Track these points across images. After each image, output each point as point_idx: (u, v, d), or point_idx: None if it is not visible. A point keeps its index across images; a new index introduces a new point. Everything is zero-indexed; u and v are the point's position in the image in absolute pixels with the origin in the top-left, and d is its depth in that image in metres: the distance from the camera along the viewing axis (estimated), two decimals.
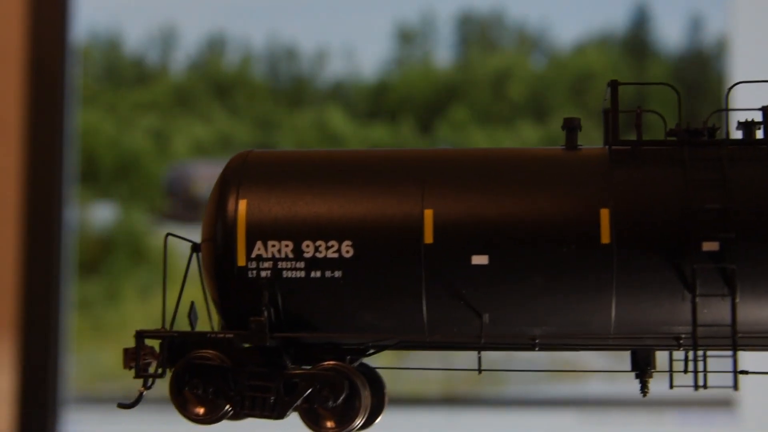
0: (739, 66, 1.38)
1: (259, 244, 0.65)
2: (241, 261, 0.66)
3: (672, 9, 1.38)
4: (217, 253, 0.79)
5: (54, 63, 1.25)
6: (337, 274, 0.68)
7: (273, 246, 0.64)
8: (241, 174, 0.72)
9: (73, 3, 1.28)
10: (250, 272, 0.66)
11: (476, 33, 1.38)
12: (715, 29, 1.34)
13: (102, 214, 1.71)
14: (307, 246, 0.66)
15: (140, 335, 0.91)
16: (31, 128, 1.31)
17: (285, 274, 0.67)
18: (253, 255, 0.67)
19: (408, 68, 1.34)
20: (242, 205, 0.65)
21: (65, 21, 1.34)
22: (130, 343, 1.68)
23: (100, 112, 1.37)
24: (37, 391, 1.68)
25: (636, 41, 1.41)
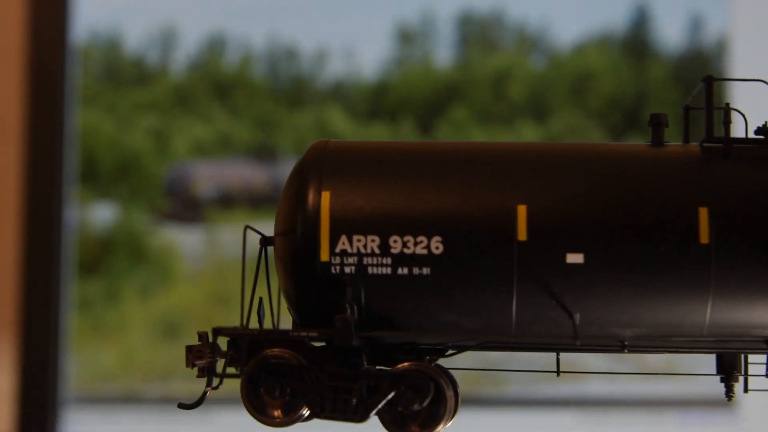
0: (739, 66, 1.38)
1: (343, 238, 0.62)
2: (325, 256, 0.63)
3: (672, 9, 1.38)
4: (296, 247, 0.77)
5: (54, 63, 1.25)
6: (426, 271, 0.66)
7: (359, 241, 0.62)
8: (321, 164, 0.70)
9: (73, 3, 1.28)
10: (333, 267, 0.64)
11: (476, 33, 1.38)
12: (715, 29, 1.34)
13: (102, 214, 1.71)
14: (395, 241, 0.63)
15: (217, 332, 0.87)
16: (31, 128, 1.31)
17: (370, 270, 0.64)
18: (337, 250, 0.65)
19: (408, 68, 1.34)
20: (325, 197, 0.63)
21: (65, 21, 1.34)
22: (130, 342, 1.67)
23: (100, 112, 1.37)
24: (37, 391, 1.68)
25: (636, 41, 1.41)
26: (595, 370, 1.88)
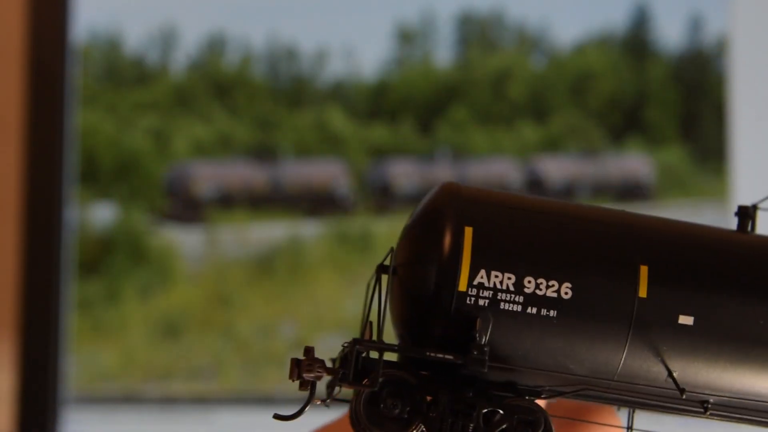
0: (739, 66, 1.37)
1: (482, 272, 0.58)
2: (463, 286, 0.59)
3: (672, 9, 1.37)
4: (434, 276, 0.70)
5: (54, 63, 1.24)
6: (552, 313, 0.62)
7: (496, 276, 0.57)
8: (461, 202, 0.66)
9: (73, 3, 1.26)
10: (469, 298, 0.60)
11: (476, 33, 1.37)
12: (715, 29, 1.33)
13: (102, 214, 1.70)
14: (529, 282, 0.59)
15: (355, 343, 0.79)
16: (31, 128, 1.30)
17: (502, 305, 0.60)
18: (475, 282, 0.60)
19: (408, 68, 1.33)
20: (468, 232, 0.59)
21: (65, 21, 1.32)
22: (130, 342, 1.67)
23: (100, 112, 1.35)
24: (37, 391, 1.68)
25: (636, 41, 1.40)
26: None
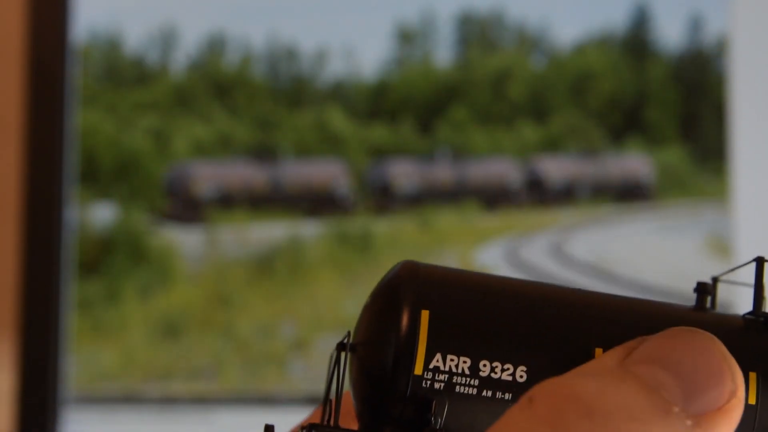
0: (739, 66, 1.37)
1: (438, 356, 0.54)
2: (418, 370, 0.55)
3: (672, 9, 1.37)
4: (390, 358, 0.66)
5: (54, 63, 1.24)
6: (508, 396, 0.58)
7: (452, 360, 0.53)
8: (418, 284, 0.62)
9: (73, 3, 1.26)
10: (425, 382, 0.55)
11: (476, 33, 1.37)
12: (715, 29, 1.33)
13: (102, 214, 1.70)
14: (484, 365, 0.55)
15: (311, 428, 0.74)
16: (31, 128, 1.30)
17: (458, 389, 0.56)
18: (431, 366, 0.56)
19: (408, 68, 1.32)
20: (425, 315, 0.55)
21: (65, 21, 1.32)
22: (130, 342, 1.67)
23: (100, 112, 1.35)
24: (37, 391, 1.67)
25: (636, 41, 1.40)
26: None
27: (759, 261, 0.40)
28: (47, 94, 1.31)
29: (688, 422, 0.27)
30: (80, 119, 1.37)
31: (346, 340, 0.36)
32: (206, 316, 1.67)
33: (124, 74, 1.47)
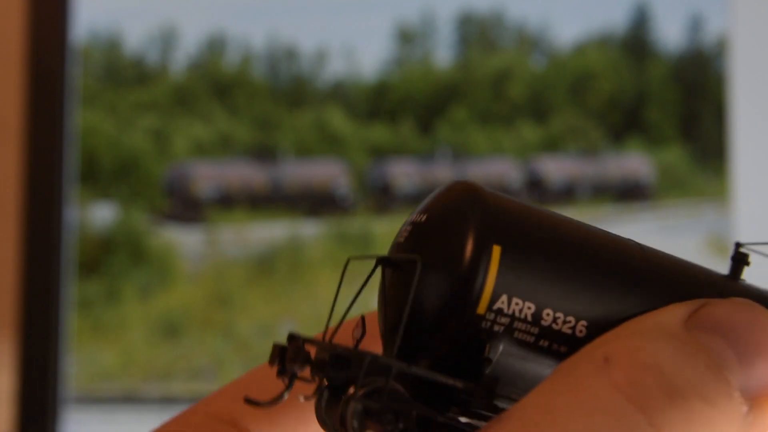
0: (739, 66, 1.37)
1: (504, 297, 0.49)
2: (482, 309, 0.50)
3: (672, 9, 1.37)
4: (449, 290, 0.60)
5: (54, 63, 1.24)
6: (563, 349, 0.53)
7: (516, 304, 0.49)
8: (487, 212, 0.56)
9: (73, 3, 1.26)
10: (485, 322, 0.51)
11: (476, 33, 1.36)
12: (715, 29, 1.33)
13: (102, 214, 1.69)
14: (547, 314, 0.51)
15: (368, 357, 0.65)
16: (31, 128, 1.29)
17: (516, 335, 0.52)
18: (495, 307, 0.51)
19: (408, 68, 1.32)
20: (496, 251, 0.50)
21: (65, 21, 1.32)
22: (130, 342, 1.67)
23: (100, 112, 1.35)
24: (37, 391, 1.67)
25: (636, 41, 1.40)
26: None
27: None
28: (47, 94, 1.31)
29: (744, 408, 0.26)
30: (80, 119, 1.37)
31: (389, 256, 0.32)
32: (206, 316, 1.67)
33: (124, 74, 1.47)
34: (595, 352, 0.27)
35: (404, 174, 1.62)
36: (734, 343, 0.27)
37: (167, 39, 1.41)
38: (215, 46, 1.42)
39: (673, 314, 0.29)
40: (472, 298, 0.31)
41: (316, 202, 1.64)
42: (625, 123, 1.56)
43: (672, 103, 1.54)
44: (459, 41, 1.47)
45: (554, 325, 0.33)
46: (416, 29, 1.44)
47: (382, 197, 1.63)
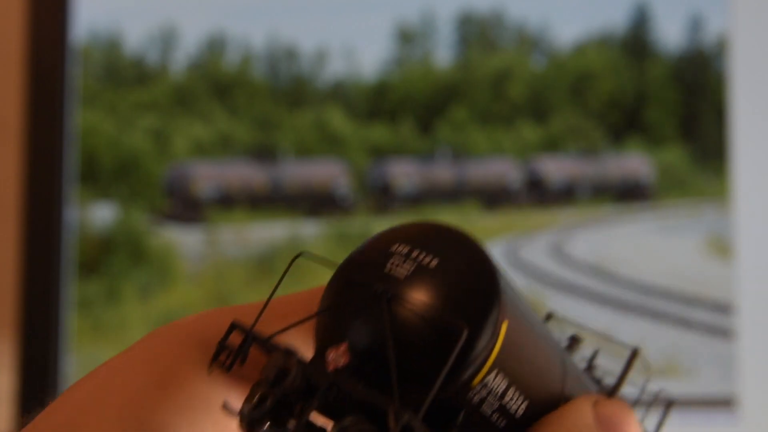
0: (739, 66, 1.37)
1: (494, 372, 0.44)
2: (477, 381, 0.45)
3: (672, 9, 1.36)
4: (447, 352, 0.53)
5: (54, 63, 1.24)
6: (503, 424, 0.48)
7: (498, 380, 0.44)
8: (506, 285, 0.50)
9: (73, 3, 1.26)
10: (471, 392, 0.45)
11: (476, 33, 1.36)
12: (715, 29, 1.33)
13: (102, 214, 1.69)
14: (512, 392, 0.46)
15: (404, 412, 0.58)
16: (31, 128, 1.29)
17: (483, 407, 0.46)
18: (485, 380, 0.46)
19: (408, 68, 1.32)
20: (504, 327, 0.45)
21: (65, 21, 1.32)
22: (130, 342, 1.67)
23: (100, 112, 1.35)
24: (37, 391, 1.67)
25: (636, 41, 1.40)
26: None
27: (634, 352, 0.40)
28: (47, 94, 1.31)
29: None
30: (80, 119, 1.37)
31: (388, 292, 0.30)
32: None
33: (124, 74, 1.47)
34: None
35: (404, 174, 1.62)
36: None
37: (167, 39, 1.41)
38: (215, 46, 1.43)
39: (586, 411, 0.33)
40: (475, 368, 0.30)
41: (316, 202, 1.64)
42: (625, 123, 1.56)
43: (672, 103, 1.54)
44: (459, 41, 1.47)
45: (510, 402, 0.33)
46: (416, 29, 1.44)
47: (382, 197, 1.63)
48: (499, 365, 0.31)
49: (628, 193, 1.56)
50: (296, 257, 0.33)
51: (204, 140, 1.44)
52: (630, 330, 1.73)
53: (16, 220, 1.29)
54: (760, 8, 1.40)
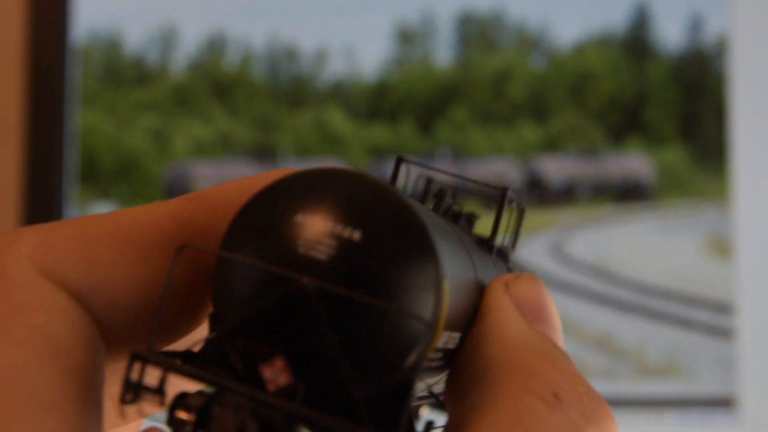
0: (739, 66, 1.37)
1: (445, 334, 0.42)
2: (431, 352, 0.42)
3: (672, 9, 1.36)
4: (405, 334, 0.50)
5: (54, 63, 1.24)
6: (441, 362, 0.46)
7: (445, 337, 0.41)
8: (436, 245, 0.48)
9: (73, 3, 1.26)
10: (427, 361, 0.42)
11: (476, 33, 1.36)
12: (715, 29, 1.33)
13: None
14: (451, 337, 0.43)
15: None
16: (31, 128, 1.29)
17: (432, 363, 0.43)
18: (439, 345, 0.44)
19: (408, 68, 1.32)
20: (446, 288, 0.43)
21: (65, 21, 1.32)
22: None
23: (100, 112, 1.34)
24: None
25: (636, 41, 1.40)
26: (595, 369, 1.87)
27: (503, 194, 0.37)
28: (47, 94, 1.31)
29: None
30: (80, 119, 1.37)
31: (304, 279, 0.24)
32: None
33: (124, 74, 1.47)
34: (538, 387, 0.28)
35: (404, 174, 1.61)
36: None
37: (167, 39, 1.41)
38: (215, 46, 1.43)
39: (506, 308, 0.30)
40: (428, 342, 0.25)
41: None
42: (625, 123, 1.56)
43: (672, 103, 1.55)
44: (459, 41, 1.47)
45: (448, 344, 0.30)
46: (416, 29, 1.44)
47: None
48: (445, 326, 0.27)
49: (628, 193, 1.56)
50: (180, 248, 0.26)
51: (204, 140, 1.44)
52: (630, 330, 1.73)
53: (16, 220, 1.29)
54: (760, 8, 1.40)
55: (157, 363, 0.25)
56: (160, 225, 0.29)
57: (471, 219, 0.36)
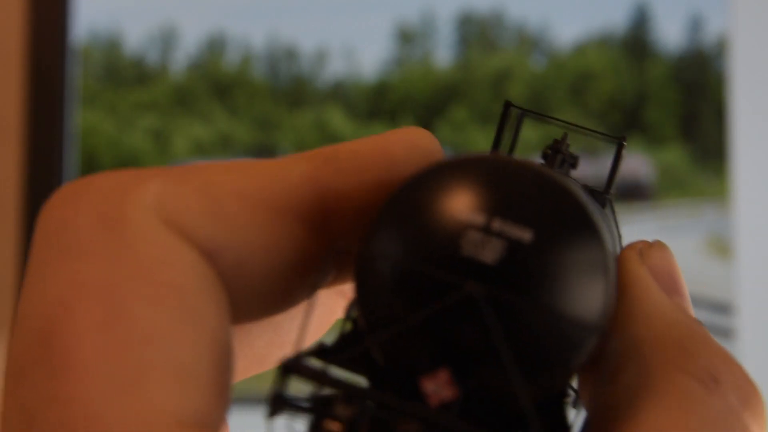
0: (739, 66, 1.36)
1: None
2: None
3: (672, 9, 1.37)
4: (576, 340, 0.48)
5: (54, 63, 1.24)
6: None
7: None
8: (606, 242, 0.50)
9: (73, 3, 1.26)
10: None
11: (476, 33, 1.36)
12: (715, 29, 1.33)
13: None
14: None
15: None
16: (31, 128, 1.29)
17: None
18: None
19: (408, 68, 1.32)
20: (612, 289, 0.43)
21: (65, 21, 1.32)
22: None
23: (100, 112, 1.34)
24: None
25: (636, 41, 1.40)
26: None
27: (620, 144, 0.35)
28: (47, 94, 1.31)
29: None
30: (80, 119, 1.37)
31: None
32: None
33: (124, 74, 1.47)
34: (697, 370, 0.26)
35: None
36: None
37: (167, 39, 1.41)
38: (215, 46, 1.42)
39: (648, 284, 0.29)
40: (594, 343, 0.24)
41: None
42: (625, 123, 1.56)
43: (672, 103, 1.54)
44: (459, 41, 1.47)
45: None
46: (416, 29, 1.44)
47: None
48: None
49: (628, 193, 1.56)
50: (332, 251, 0.24)
51: (204, 140, 1.44)
52: None
53: (16, 220, 1.29)
54: (760, 8, 1.40)
55: (313, 377, 0.23)
56: (294, 187, 0.26)
57: (574, 162, 0.33)
